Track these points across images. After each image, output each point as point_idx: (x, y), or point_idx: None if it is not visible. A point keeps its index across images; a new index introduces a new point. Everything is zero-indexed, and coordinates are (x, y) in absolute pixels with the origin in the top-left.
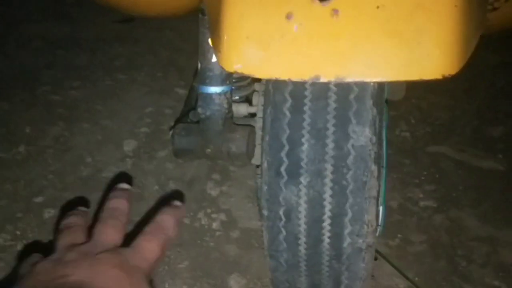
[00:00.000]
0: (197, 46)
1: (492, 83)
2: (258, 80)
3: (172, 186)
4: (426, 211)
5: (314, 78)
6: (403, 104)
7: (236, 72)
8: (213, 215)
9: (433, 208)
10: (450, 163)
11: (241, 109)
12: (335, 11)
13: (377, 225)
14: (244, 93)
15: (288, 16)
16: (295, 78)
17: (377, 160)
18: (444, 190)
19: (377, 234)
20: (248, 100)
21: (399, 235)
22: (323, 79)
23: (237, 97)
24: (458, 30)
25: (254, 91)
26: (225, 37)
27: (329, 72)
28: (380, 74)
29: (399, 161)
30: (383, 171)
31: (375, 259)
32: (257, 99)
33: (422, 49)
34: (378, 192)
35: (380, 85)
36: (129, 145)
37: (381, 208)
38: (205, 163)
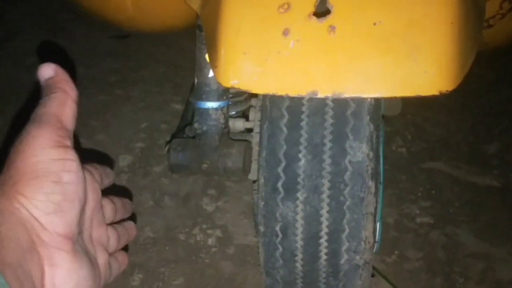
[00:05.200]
0: (193, 62)
1: (487, 100)
2: (255, 96)
3: (167, 201)
4: (422, 228)
5: (311, 94)
6: (399, 120)
7: (233, 87)
8: (209, 231)
9: (430, 224)
10: (446, 180)
11: (238, 125)
12: (332, 28)
13: (374, 241)
14: (240, 108)
15: (285, 32)
16: (292, 93)
17: (375, 176)
18: (440, 206)
19: (374, 250)
20: (244, 116)
21: (395, 252)
22: (320, 95)
23: (233, 112)
24: (455, 47)
25: (251, 106)
26: (222, 53)
27: (326, 87)
28: (377, 90)
29: (395, 177)
30: (380, 187)
31: (372, 275)
32: (254, 115)
33: (418, 65)
34: (376, 208)
35: (377, 101)
36: (124, 160)
37: (378, 225)
38: (201, 178)
